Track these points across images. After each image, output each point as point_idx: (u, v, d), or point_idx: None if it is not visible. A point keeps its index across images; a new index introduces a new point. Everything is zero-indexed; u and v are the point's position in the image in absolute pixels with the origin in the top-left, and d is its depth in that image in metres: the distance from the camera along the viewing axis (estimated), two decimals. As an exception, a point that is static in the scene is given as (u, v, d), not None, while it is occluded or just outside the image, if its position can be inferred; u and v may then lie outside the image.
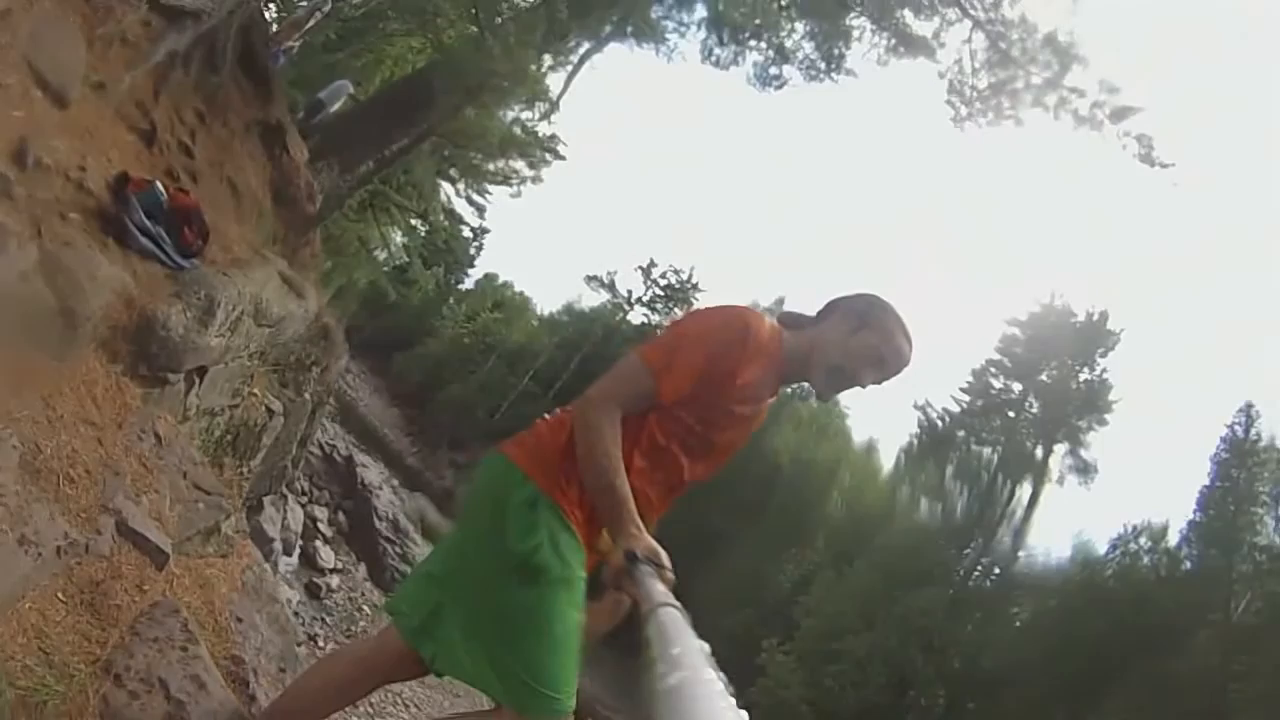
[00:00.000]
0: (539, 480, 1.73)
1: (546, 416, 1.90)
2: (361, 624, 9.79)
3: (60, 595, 2.16)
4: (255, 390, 5.53)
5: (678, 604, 0.99)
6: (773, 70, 12.20)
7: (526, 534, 1.68)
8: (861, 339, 1.83)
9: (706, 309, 1.93)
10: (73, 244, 2.87)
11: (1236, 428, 19.70)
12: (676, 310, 39.37)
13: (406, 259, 20.48)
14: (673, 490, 1.86)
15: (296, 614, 7.31)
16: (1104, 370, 23.40)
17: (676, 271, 39.85)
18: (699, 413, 1.77)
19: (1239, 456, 19.12)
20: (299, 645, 3.99)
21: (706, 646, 0.77)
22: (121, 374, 3.24)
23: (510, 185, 11.73)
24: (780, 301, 33.38)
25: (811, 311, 1.98)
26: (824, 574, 21.18)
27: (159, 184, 3.53)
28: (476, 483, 1.90)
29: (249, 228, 5.68)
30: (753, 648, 17.91)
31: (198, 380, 4.28)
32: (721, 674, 0.67)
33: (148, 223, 3.49)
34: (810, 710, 16.92)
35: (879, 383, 1.89)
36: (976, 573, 21.44)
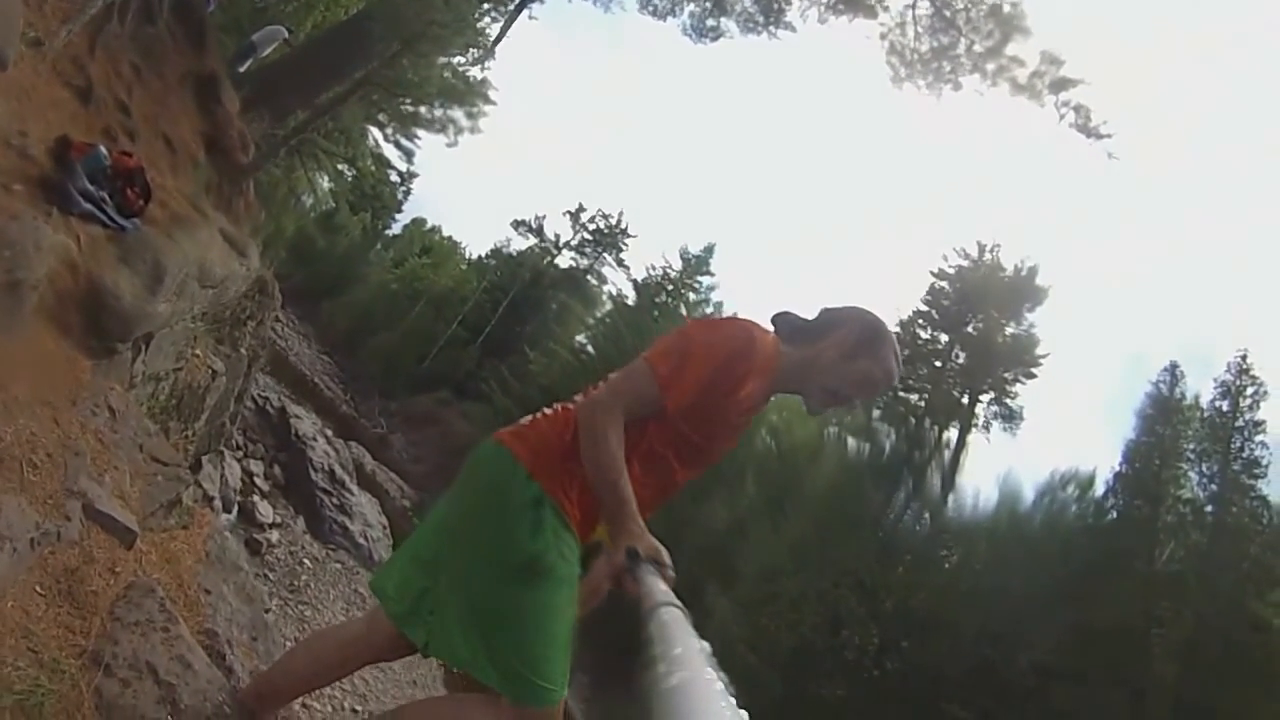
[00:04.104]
0: (543, 481, 1.76)
1: (546, 411, 1.92)
2: (304, 578, 9.70)
3: (38, 588, 2.12)
4: (198, 351, 5.39)
5: (679, 603, 1.01)
6: (709, 21, 12.10)
7: (533, 535, 1.73)
8: (859, 366, 1.89)
9: (713, 321, 1.95)
10: (19, 217, 2.74)
11: (1162, 385, 20.50)
12: (605, 255, 39.35)
13: (333, 205, 19.93)
14: (664, 492, 1.91)
15: (240, 573, 7.24)
16: (1031, 325, 23.86)
17: (605, 216, 39.63)
18: (697, 423, 1.82)
19: (1164, 413, 19.89)
20: (266, 612, 3.99)
21: (708, 646, 0.78)
22: (72, 348, 3.13)
23: (446, 135, 11.46)
24: (710, 249, 33.53)
25: (804, 311, 2.02)
26: (757, 516, 21.42)
27: (102, 148, 3.37)
28: (474, 472, 1.90)
29: (184, 181, 5.47)
30: (691, 589, 18.17)
31: (143, 347, 4.16)
32: (722, 674, 0.67)
33: (90, 187, 3.34)
34: (749, 651, 17.25)
35: (867, 400, 2.02)
36: (907, 515, 21.88)
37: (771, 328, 1.98)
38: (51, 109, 3.36)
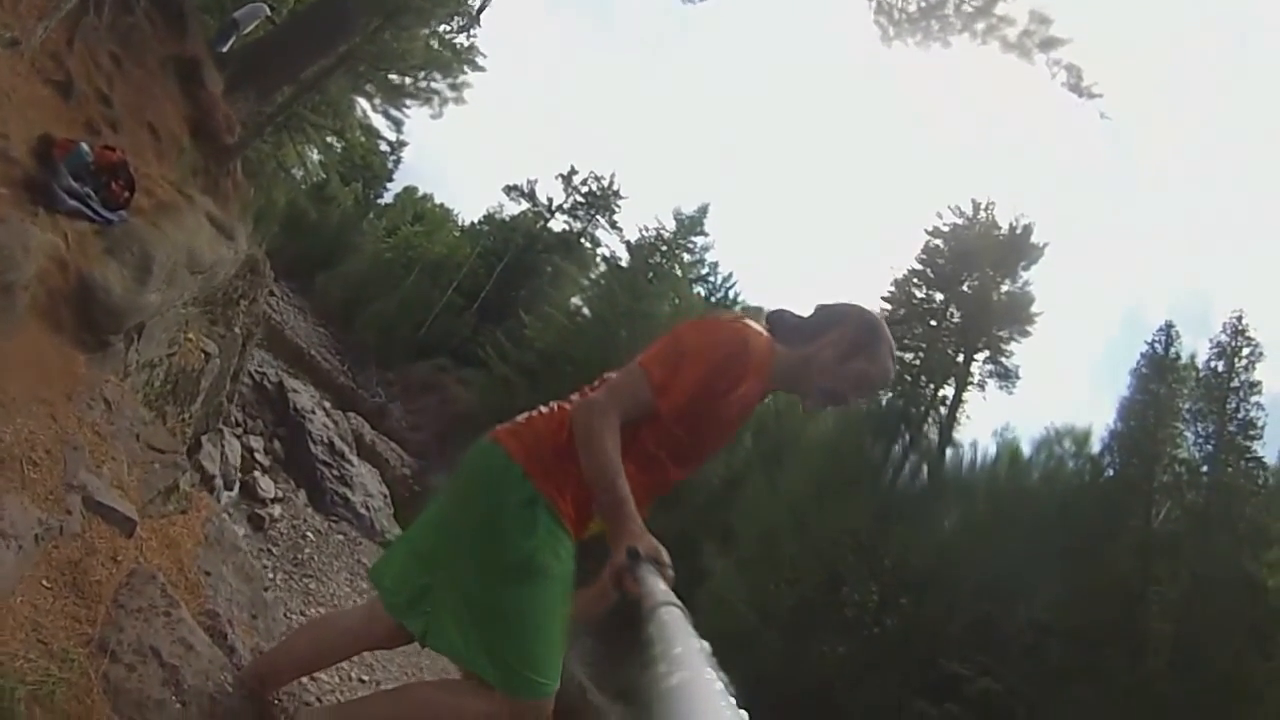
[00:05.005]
0: (537, 481, 1.82)
1: (542, 410, 1.97)
2: (307, 551, 9.85)
3: (45, 582, 2.21)
4: (190, 335, 5.45)
5: (679, 603, 1.01)
6: (697, -19, 11.97)
7: (527, 534, 1.80)
8: (855, 366, 1.91)
9: (706, 324, 1.96)
10: (6, 220, 2.81)
11: (1157, 345, 20.47)
12: (598, 217, 39.29)
13: (324, 176, 19.86)
14: (657, 490, 1.95)
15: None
16: (1026, 283, 23.82)
17: (598, 178, 39.57)
18: (691, 425, 1.86)
19: (1159, 373, 19.85)
20: (265, 590, 4.12)
21: (708, 646, 0.78)
22: (65, 343, 3.22)
23: (431, 106, 11.40)
24: (704, 209, 33.34)
25: (799, 308, 2.05)
26: (754, 472, 21.24)
27: (83, 145, 3.42)
28: (470, 470, 1.96)
29: (169, 167, 5.49)
30: (690, 548, 18.31)
31: (136, 336, 4.23)
32: (722, 674, 0.68)
33: (75, 184, 3.41)
34: (751, 610, 17.41)
35: (865, 399, 2.04)
36: (905, 471, 21.98)
37: (767, 326, 2.01)
38: (32, 107, 3.40)
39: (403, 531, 2.27)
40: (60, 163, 3.25)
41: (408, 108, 14.58)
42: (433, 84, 10.81)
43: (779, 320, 2.03)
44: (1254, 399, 18.80)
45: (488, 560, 1.84)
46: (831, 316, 1.97)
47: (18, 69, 3.40)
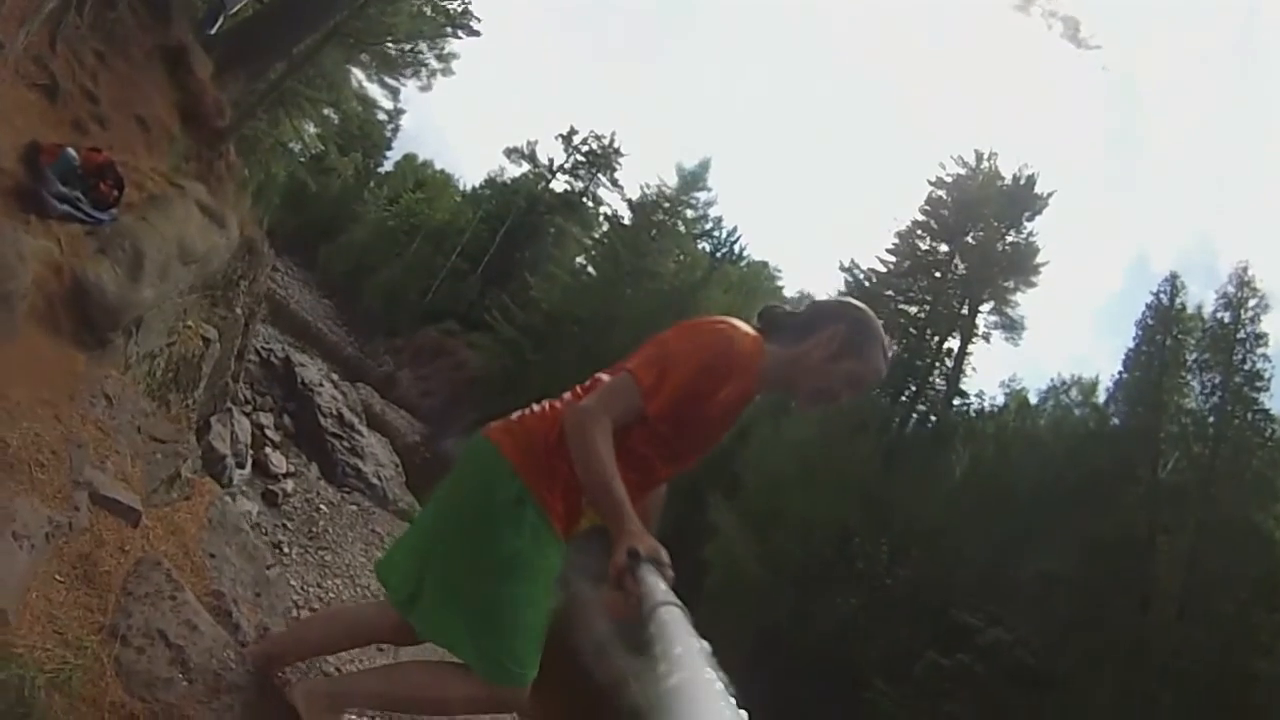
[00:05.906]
0: (526, 478, 1.90)
1: (534, 408, 2.04)
2: (321, 523, 10.07)
3: (57, 576, 2.36)
4: (189, 323, 5.56)
5: (679, 602, 1.02)
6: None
7: (514, 532, 1.89)
8: (847, 365, 1.92)
9: (693, 326, 1.99)
10: (0, 230, 2.93)
11: (1162, 296, 20.41)
12: (600, 176, 39.19)
13: (322, 148, 19.85)
14: (647, 488, 2.01)
15: (258, 525, 7.59)
16: (1031, 233, 23.72)
17: (598, 137, 39.44)
18: (679, 426, 1.89)
19: (1164, 324, 19.81)
20: (269, 568, 4.30)
21: (708, 646, 0.79)
22: (65, 345, 3.35)
23: (419, 78, 11.35)
24: (705, 164, 33.11)
25: (790, 305, 2.11)
26: (762, 424, 21.47)
27: (70, 150, 3.52)
28: (464, 466, 2.06)
29: (160, 158, 5.56)
30: (697, 501, 18.41)
31: (134, 330, 4.36)
32: (723, 674, 0.69)
33: (64, 189, 3.51)
34: (761, 565, 17.64)
35: (857, 397, 2.07)
36: (912, 422, 22.13)
37: (758, 324, 2.04)
38: (18, 113, 3.50)
39: (408, 520, 2.38)
40: (47, 169, 3.35)
41: (404, 75, 14.61)
42: (420, 56, 10.75)
43: (770, 318, 2.05)
44: (1260, 351, 18.75)
45: (476, 555, 1.94)
46: (823, 314, 2.00)
47: (2, 75, 3.49)
